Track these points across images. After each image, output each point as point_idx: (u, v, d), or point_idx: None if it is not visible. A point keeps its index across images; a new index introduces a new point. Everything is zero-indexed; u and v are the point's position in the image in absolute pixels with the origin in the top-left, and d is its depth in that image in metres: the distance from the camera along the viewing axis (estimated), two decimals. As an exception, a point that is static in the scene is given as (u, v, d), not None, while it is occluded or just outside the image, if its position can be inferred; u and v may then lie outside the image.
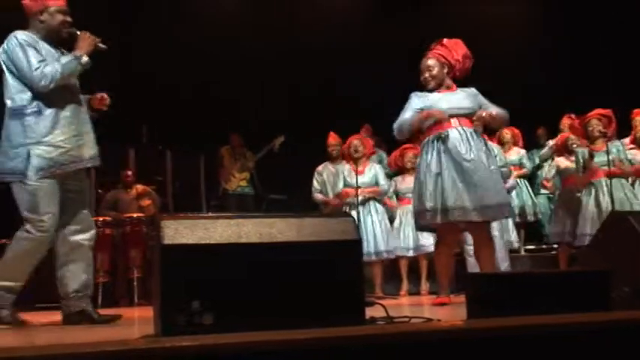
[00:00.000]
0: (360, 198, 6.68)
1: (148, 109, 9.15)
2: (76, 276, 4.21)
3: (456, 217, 4.74)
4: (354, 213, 6.36)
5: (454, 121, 4.86)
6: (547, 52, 10.31)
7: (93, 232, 4.33)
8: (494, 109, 4.93)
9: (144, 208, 7.93)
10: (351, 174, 6.86)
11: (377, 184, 7.04)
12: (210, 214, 2.75)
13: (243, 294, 2.62)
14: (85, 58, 4.07)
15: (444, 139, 4.79)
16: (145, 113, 9.17)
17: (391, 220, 7.27)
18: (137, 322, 4.43)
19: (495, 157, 6.34)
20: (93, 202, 8.55)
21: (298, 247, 2.74)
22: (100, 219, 7.56)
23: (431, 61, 5.01)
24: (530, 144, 8.93)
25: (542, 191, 8.65)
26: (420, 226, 5.12)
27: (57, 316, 4.40)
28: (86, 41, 4.10)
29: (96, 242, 7.17)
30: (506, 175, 6.50)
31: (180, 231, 2.59)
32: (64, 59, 4.03)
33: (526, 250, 8.43)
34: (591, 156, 6.56)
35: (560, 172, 7.19)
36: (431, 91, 5.01)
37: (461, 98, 4.95)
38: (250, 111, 9.33)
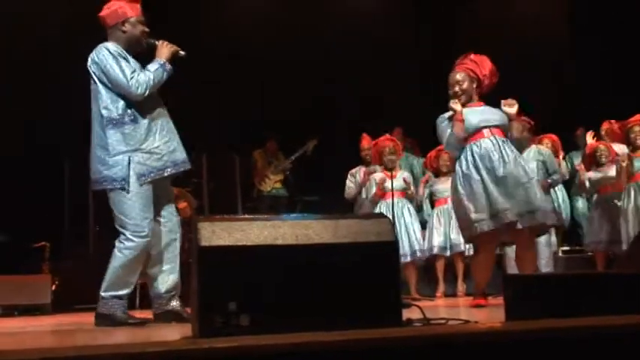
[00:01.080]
0: (394, 199, 6.71)
1: (183, 112, 9.22)
2: (167, 276, 4.27)
3: (510, 218, 4.65)
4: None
5: (486, 131, 4.82)
6: (585, 51, 10.18)
7: (180, 230, 4.41)
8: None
9: (179, 210, 7.99)
10: (384, 178, 6.88)
11: (405, 189, 7.07)
12: (246, 216, 2.75)
13: (279, 295, 2.63)
14: (169, 66, 4.18)
15: (478, 149, 4.78)
16: (180, 116, 9.24)
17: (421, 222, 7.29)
18: (174, 323, 4.46)
19: (544, 162, 6.33)
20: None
21: (334, 249, 2.73)
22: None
23: (460, 75, 4.97)
24: (570, 145, 8.83)
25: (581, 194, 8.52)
26: (468, 239, 5.08)
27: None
28: (166, 49, 4.20)
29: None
30: (555, 182, 6.46)
31: (216, 233, 2.61)
32: (153, 67, 4.13)
33: (562, 252, 8.32)
34: (631, 162, 6.49)
35: (593, 184, 7.10)
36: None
37: (488, 111, 4.93)
38: (283, 113, 9.35)
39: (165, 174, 4.18)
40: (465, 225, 4.81)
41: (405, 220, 6.92)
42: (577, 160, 8.50)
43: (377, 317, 2.69)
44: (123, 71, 4.03)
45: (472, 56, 5.01)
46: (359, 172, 7.52)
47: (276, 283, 2.62)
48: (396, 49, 10.02)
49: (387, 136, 7.25)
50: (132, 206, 4.09)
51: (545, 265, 6.27)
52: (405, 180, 7.07)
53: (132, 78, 4.03)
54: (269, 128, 9.11)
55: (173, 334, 3.38)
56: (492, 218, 4.65)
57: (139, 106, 4.11)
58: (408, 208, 7.03)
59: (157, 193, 4.23)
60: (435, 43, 9.88)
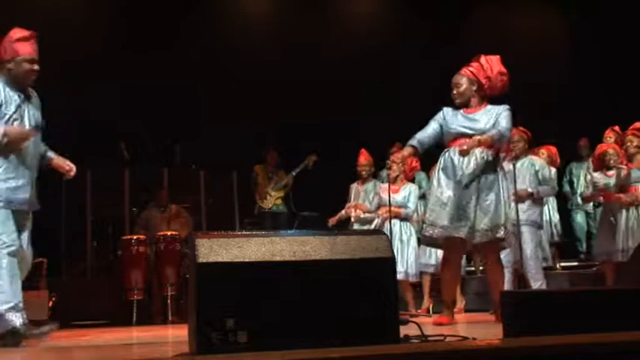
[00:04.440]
0: (383, 217, 6.74)
1: (181, 130, 9.25)
2: None
3: (436, 234, 4.82)
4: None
5: (465, 139, 4.86)
6: (589, 62, 10.24)
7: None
8: (486, 135, 4.85)
9: (176, 227, 7.99)
10: (385, 192, 6.85)
11: (405, 205, 7.01)
12: (244, 233, 2.75)
13: (277, 312, 2.62)
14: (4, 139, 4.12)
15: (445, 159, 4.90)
16: (178, 133, 9.28)
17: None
18: (171, 340, 4.44)
19: (537, 172, 6.30)
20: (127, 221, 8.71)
21: (332, 265, 2.73)
22: (134, 237, 7.64)
23: (460, 78, 5.04)
24: (572, 155, 8.86)
25: (580, 207, 8.52)
26: (425, 241, 5.16)
27: (95, 334, 4.43)
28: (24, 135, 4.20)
29: (131, 260, 7.41)
30: (542, 193, 6.39)
31: (214, 249, 2.61)
32: None
33: (562, 268, 8.30)
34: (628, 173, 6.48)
35: (598, 189, 7.06)
36: (458, 107, 5.02)
37: (478, 118, 4.94)
38: (282, 129, 9.37)
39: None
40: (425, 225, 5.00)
41: (401, 238, 6.90)
42: (579, 172, 8.48)
43: (375, 334, 2.68)
44: None
45: (482, 59, 5.03)
46: (354, 186, 7.50)
47: (273, 300, 2.62)
48: (397, 64, 10.04)
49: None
50: None
51: (533, 279, 6.20)
52: (408, 195, 7.02)
53: None
54: (268, 143, 9.12)
55: (167, 351, 3.37)
56: (441, 228, 4.79)
57: None
58: (406, 226, 7.00)
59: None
60: (438, 57, 9.93)
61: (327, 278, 2.72)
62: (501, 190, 4.84)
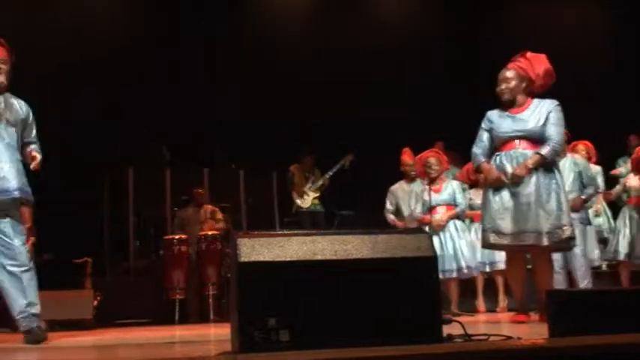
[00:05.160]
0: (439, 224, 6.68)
1: (221, 130, 9.33)
2: None
3: (509, 242, 4.67)
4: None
5: (516, 142, 4.76)
6: (633, 55, 10.05)
7: None
8: (537, 156, 4.72)
9: (213, 227, 8.05)
10: (426, 193, 6.77)
11: (454, 201, 6.89)
12: (285, 232, 2.75)
13: (318, 311, 2.62)
14: None
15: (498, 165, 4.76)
16: (218, 134, 9.36)
17: None
18: (213, 339, 4.47)
19: (580, 173, 6.17)
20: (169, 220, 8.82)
21: (373, 264, 2.72)
22: (176, 237, 7.72)
23: (510, 73, 4.83)
24: (622, 152, 8.71)
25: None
26: (484, 245, 5.02)
27: (138, 332, 4.48)
28: None
29: (172, 260, 7.49)
30: (589, 197, 6.28)
31: (256, 248, 2.61)
32: None
33: (608, 266, 8.14)
34: None
35: (628, 190, 6.95)
36: (504, 105, 4.88)
37: (526, 118, 4.78)
38: (321, 129, 9.37)
39: None
40: (483, 229, 4.86)
41: (451, 236, 6.79)
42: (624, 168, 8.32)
43: (417, 333, 2.66)
44: None
45: (528, 54, 4.86)
46: (400, 187, 7.44)
47: (315, 299, 2.61)
48: (434, 62, 9.98)
49: (433, 149, 7.16)
50: None
51: (581, 277, 6.12)
52: (453, 191, 6.93)
53: None
54: (306, 142, 9.12)
55: (210, 350, 3.39)
56: (496, 234, 4.70)
57: None
58: (455, 223, 6.89)
59: None
60: (473, 55, 9.84)
61: (368, 277, 2.71)
62: (560, 189, 4.70)
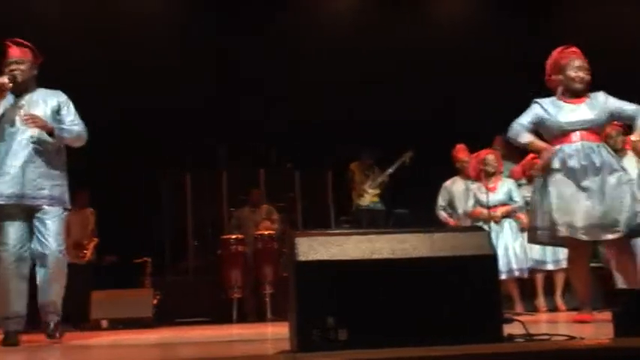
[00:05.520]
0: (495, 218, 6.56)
1: (276, 130, 9.38)
2: None
3: (564, 233, 4.49)
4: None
5: (575, 135, 4.60)
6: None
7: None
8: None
9: (270, 227, 8.10)
10: (482, 191, 6.67)
11: (511, 199, 6.78)
12: (343, 231, 2.75)
13: (377, 310, 2.60)
14: None
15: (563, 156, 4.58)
16: (273, 134, 9.41)
17: None
18: (270, 337, 4.50)
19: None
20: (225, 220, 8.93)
21: (431, 263, 2.69)
22: (233, 237, 7.80)
23: (586, 64, 4.64)
24: None
25: None
26: (531, 241, 4.88)
27: (197, 331, 4.54)
28: None
29: (230, 259, 7.58)
30: None
31: (314, 247, 2.61)
32: None
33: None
34: None
35: None
36: (571, 93, 4.71)
37: (585, 109, 4.64)
38: (378, 127, 9.34)
39: None
40: (532, 227, 4.69)
41: (505, 235, 6.69)
42: None
43: (476, 332, 2.62)
44: None
45: (573, 49, 4.77)
46: (455, 183, 7.36)
47: (373, 298, 2.60)
48: (491, 55, 9.83)
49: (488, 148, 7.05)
50: None
51: None
52: (509, 190, 6.81)
53: None
54: (363, 142, 9.10)
55: (267, 349, 3.40)
56: (569, 228, 4.48)
57: None
58: (509, 222, 6.77)
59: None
60: (531, 53, 9.66)
61: (426, 276, 2.68)
62: (628, 176, 4.57)
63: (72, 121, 4.51)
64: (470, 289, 2.69)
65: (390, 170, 8.75)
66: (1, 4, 8.69)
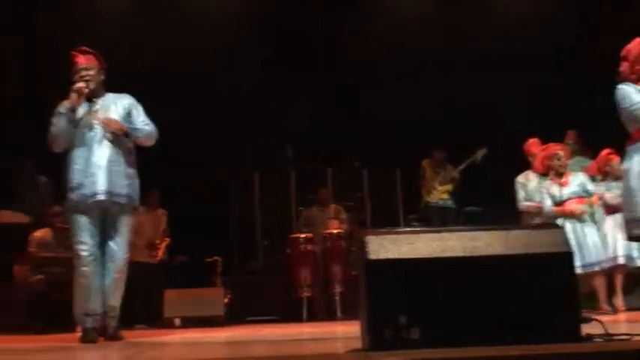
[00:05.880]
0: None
1: (344, 129, 9.38)
2: None
3: None
4: (568, 225, 6.08)
5: None
6: None
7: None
8: None
9: (338, 226, 8.10)
10: (555, 187, 6.50)
11: (585, 192, 6.58)
12: (413, 229, 2.73)
13: (449, 308, 2.57)
14: (71, 113, 4.48)
15: None
16: (341, 133, 9.41)
17: None
18: (340, 336, 4.49)
19: None
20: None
21: (505, 261, 2.64)
22: (302, 236, 7.83)
23: None
24: None
25: None
26: (631, 236, 4.68)
27: (267, 329, 4.57)
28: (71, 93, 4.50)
29: (299, 258, 7.62)
30: None
31: (384, 246, 2.60)
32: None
33: None
34: None
35: None
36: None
37: None
38: (449, 124, 9.22)
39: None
40: (628, 220, 4.46)
41: (589, 228, 6.48)
42: None
43: (552, 332, 2.56)
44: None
45: None
46: (526, 177, 7.19)
47: (445, 296, 2.57)
48: (564, 48, 9.59)
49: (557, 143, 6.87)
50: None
51: None
52: (582, 182, 6.61)
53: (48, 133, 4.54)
54: (432, 139, 8.99)
55: (337, 347, 3.40)
56: None
57: (70, 150, 4.52)
58: (591, 214, 6.56)
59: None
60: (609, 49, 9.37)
61: (500, 274, 2.64)
62: None
63: (143, 122, 4.67)
64: (545, 287, 2.63)
65: (461, 167, 8.62)
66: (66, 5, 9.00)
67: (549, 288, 2.63)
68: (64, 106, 4.50)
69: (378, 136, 9.17)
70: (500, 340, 2.47)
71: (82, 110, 4.53)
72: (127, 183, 4.54)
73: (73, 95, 4.45)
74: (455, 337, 2.50)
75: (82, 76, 4.53)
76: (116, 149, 4.52)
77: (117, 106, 4.64)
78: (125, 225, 4.56)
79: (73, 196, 4.43)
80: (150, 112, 4.76)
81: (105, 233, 4.49)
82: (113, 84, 4.77)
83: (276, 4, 9.66)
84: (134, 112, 4.67)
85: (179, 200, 8.28)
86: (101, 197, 4.41)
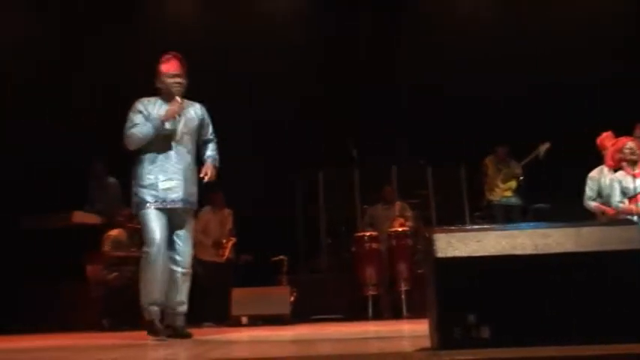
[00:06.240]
0: None
1: (407, 125, 9.33)
2: None
3: None
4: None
5: None
6: None
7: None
8: None
9: (403, 224, 8.05)
10: (628, 178, 6.30)
11: None
12: (481, 226, 2.69)
13: (520, 307, 2.53)
14: (158, 122, 4.58)
15: None
16: (405, 131, 9.36)
17: None
18: (407, 335, 4.47)
19: None
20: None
21: (577, 258, 2.59)
22: (367, 234, 7.82)
23: None
24: None
25: None
26: None
27: (333, 327, 4.57)
28: (170, 109, 4.62)
29: (364, 256, 7.62)
30: None
31: (452, 244, 2.57)
32: (146, 123, 4.61)
33: None
34: None
35: None
36: None
37: None
38: (514, 118, 9.06)
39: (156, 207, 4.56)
40: None
41: None
42: None
43: (625, 332, 2.49)
44: (126, 123, 4.64)
45: None
46: (601, 172, 7.00)
47: (515, 294, 2.53)
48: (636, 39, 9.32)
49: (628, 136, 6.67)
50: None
51: None
52: None
53: (126, 130, 4.61)
54: (495, 136, 8.85)
55: (405, 345, 3.38)
56: None
57: (146, 147, 4.62)
58: None
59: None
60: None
61: (571, 272, 2.58)
62: None
63: (211, 133, 4.90)
64: (618, 285, 2.57)
65: (523, 163, 8.45)
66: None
67: (622, 286, 2.56)
68: (143, 106, 4.66)
69: (443, 133, 9.08)
70: (570, 339, 2.42)
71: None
72: (196, 190, 4.75)
73: (171, 112, 4.61)
74: (525, 336, 2.46)
75: (176, 82, 4.68)
76: (191, 156, 4.73)
77: (196, 115, 4.81)
78: (191, 224, 4.77)
79: (146, 193, 4.57)
80: (219, 115, 4.95)
81: (172, 230, 4.63)
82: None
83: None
84: (206, 122, 4.87)
85: (247, 202, 8.38)
86: (178, 205, 4.59)
